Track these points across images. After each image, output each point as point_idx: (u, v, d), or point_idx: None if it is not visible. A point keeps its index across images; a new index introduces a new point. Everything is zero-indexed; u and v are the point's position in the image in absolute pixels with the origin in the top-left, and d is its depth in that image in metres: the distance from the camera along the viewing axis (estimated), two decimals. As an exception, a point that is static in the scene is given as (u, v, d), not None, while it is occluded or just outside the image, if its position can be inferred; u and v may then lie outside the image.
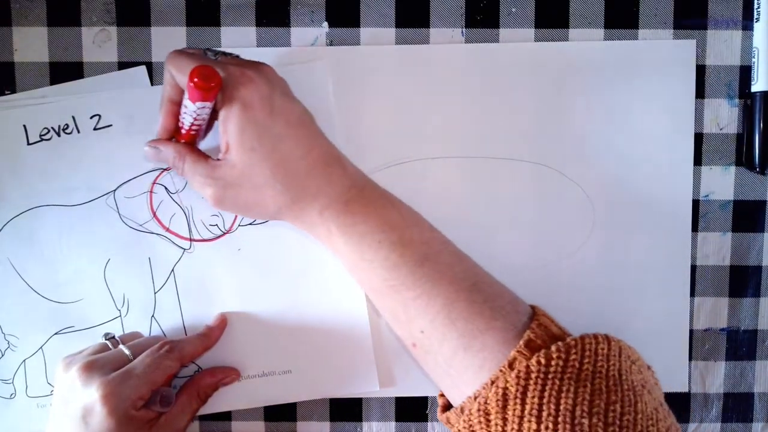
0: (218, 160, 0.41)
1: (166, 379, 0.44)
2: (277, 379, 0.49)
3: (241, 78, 0.39)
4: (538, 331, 0.36)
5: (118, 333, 0.47)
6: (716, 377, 0.51)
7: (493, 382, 0.34)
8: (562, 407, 0.32)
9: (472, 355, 0.36)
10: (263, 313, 0.49)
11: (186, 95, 0.40)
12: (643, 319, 0.50)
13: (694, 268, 0.50)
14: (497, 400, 0.33)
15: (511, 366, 0.34)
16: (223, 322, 0.48)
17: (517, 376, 0.33)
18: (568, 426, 0.32)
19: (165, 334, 0.49)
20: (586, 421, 0.32)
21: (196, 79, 0.37)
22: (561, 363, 0.34)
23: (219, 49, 0.43)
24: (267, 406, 0.50)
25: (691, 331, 0.50)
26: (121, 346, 0.44)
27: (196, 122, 0.41)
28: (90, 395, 0.40)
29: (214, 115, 0.41)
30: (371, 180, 0.43)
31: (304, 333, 0.49)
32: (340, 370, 0.49)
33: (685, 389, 0.50)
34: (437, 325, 0.38)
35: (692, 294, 0.50)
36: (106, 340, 0.46)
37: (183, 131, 0.43)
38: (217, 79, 0.38)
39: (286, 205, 0.41)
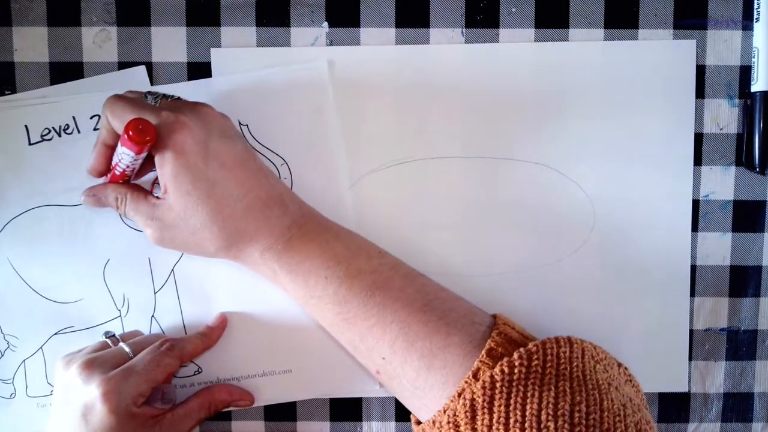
0: (158, 198, 0.42)
1: (166, 377, 0.44)
2: (277, 379, 0.49)
3: (175, 124, 0.39)
4: (498, 339, 0.36)
5: (118, 332, 0.47)
6: (716, 377, 0.51)
7: (460, 394, 0.35)
8: (528, 413, 0.33)
9: (435, 373, 0.37)
10: (263, 313, 0.49)
11: (121, 143, 0.40)
12: (643, 319, 0.50)
13: (694, 268, 0.50)
14: (465, 412, 0.34)
15: (475, 377, 0.35)
16: (223, 322, 0.48)
17: (483, 387, 0.34)
18: (534, 430, 0.32)
19: (165, 334, 0.49)
20: (552, 425, 0.32)
21: (131, 133, 0.38)
22: (524, 369, 0.34)
23: (160, 92, 0.43)
24: (267, 406, 0.50)
25: (691, 331, 0.50)
26: (121, 344, 0.44)
27: (128, 168, 0.42)
28: (90, 393, 0.40)
29: (151, 158, 0.42)
30: (315, 213, 0.44)
31: (304, 333, 0.49)
32: (340, 370, 0.49)
33: (685, 389, 0.50)
34: (397, 350, 0.38)
35: (692, 294, 0.50)
36: (106, 338, 0.46)
37: (117, 173, 0.43)
38: (152, 133, 0.38)
39: (224, 247, 0.41)
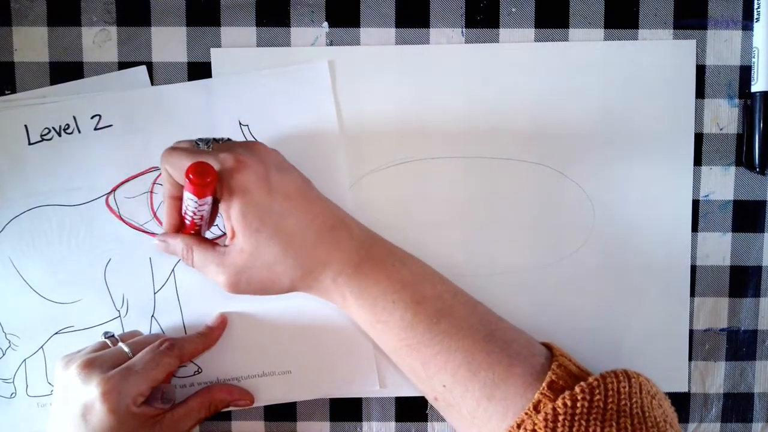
0: (226, 246, 0.41)
1: (165, 377, 0.44)
2: (277, 379, 0.49)
3: (236, 165, 0.39)
4: (559, 372, 0.37)
5: (117, 332, 0.47)
6: (716, 377, 0.51)
7: (519, 426, 0.35)
8: None
9: (496, 404, 0.37)
10: (263, 313, 0.49)
11: (185, 190, 0.40)
12: (643, 319, 0.50)
13: (694, 268, 0.50)
14: None
15: (536, 409, 0.35)
16: (223, 322, 0.49)
17: (545, 419, 0.34)
18: None
19: (165, 334, 0.49)
20: None
21: (191, 176, 0.38)
22: (586, 404, 0.34)
23: (209, 137, 0.43)
24: (267, 406, 0.50)
25: (691, 332, 0.50)
26: (120, 344, 0.44)
27: (197, 215, 0.42)
28: (90, 393, 0.40)
29: (217, 203, 0.42)
30: (378, 236, 0.44)
31: (304, 333, 0.49)
32: (340, 370, 0.49)
33: (685, 389, 0.50)
34: (459, 379, 0.38)
35: (692, 294, 0.50)
36: (105, 338, 0.46)
37: (187, 223, 0.43)
38: (213, 174, 0.38)
39: (300, 278, 0.41)
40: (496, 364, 0.38)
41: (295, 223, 0.40)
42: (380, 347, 0.42)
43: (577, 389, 0.35)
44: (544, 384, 0.36)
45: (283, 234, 0.40)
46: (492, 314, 0.42)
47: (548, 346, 0.41)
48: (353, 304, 0.41)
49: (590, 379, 0.36)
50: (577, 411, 0.34)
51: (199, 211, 0.41)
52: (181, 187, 0.41)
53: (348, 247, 0.41)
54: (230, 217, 0.40)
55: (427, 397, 0.41)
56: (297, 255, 0.40)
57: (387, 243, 0.43)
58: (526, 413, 0.35)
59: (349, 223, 0.43)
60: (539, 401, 0.35)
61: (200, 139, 0.42)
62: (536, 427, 0.34)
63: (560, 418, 0.34)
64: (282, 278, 0.41)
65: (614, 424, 0.34)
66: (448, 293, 0.41)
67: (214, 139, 0.43)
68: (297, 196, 0.41)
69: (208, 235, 0.47)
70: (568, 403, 0.34)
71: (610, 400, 0.35)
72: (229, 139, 0.43)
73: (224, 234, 0.42)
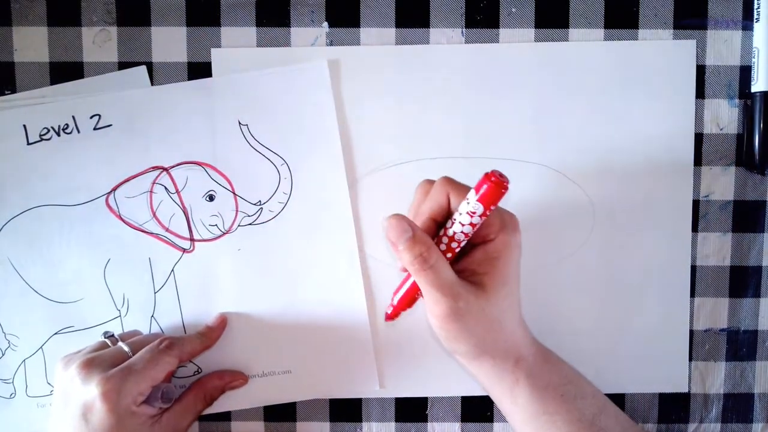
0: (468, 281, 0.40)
1: (166, 376, 0.44)
2: (277, 379, 0.49)
3: (515, 220, 0.40)
4: None
5: (117, 332, 0.47)
6: (716, 378, 0.51)
7: None
8: None
9: None
10: (263, 313, 0.49)
11: (463, 207, 0.38)
12: (643, 319, 0.50)
13: (694, 268, 0.50)
14: None
15: None
16: (223, 322, 0.48)
17: None
18: None
19: (165, 334, 0.49)
20: None
21: (494, 178, 0.37)
22: None
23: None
24: (267, 406, 0.50)
25: (691, 332, 0.50)
26: (120, 344, 0.44)
27: (466, 233, 0.39)
28: (90, 392, 0.40)
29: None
30: None
31: (304, 333, 0.49)
32: (340, 370, 0.49)
33: (685, 390, 0.50)
34: None
35: (692, 294, 0.50)
36: (105, 338, 0.46)
37: (452, 245, 0.39)
38: (507, 185, 0.37)
39: (494, 349, 0.40)
40: None
41: (517, 300, 0.41)
42: None
43: None
44: None
45: (513, 305, 0.41)
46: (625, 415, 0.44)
47: None
48: (523, 390, 0.41)
49: None
50: None
51: (473, 225, 0.38)
52: (445, 210, 0.40)
53: (531, 337, 0.43)
54: (500, 258, 0.39)
55: None
56: (509, 330, 0.41)
57: None
58: None
59: None
60: None
61: None
62: None
63: None
64: (482, 343, 0.40)
65: None
66: (598, 391, 0.43)
67: None
68: None
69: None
70: None
71: None
72: None
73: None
